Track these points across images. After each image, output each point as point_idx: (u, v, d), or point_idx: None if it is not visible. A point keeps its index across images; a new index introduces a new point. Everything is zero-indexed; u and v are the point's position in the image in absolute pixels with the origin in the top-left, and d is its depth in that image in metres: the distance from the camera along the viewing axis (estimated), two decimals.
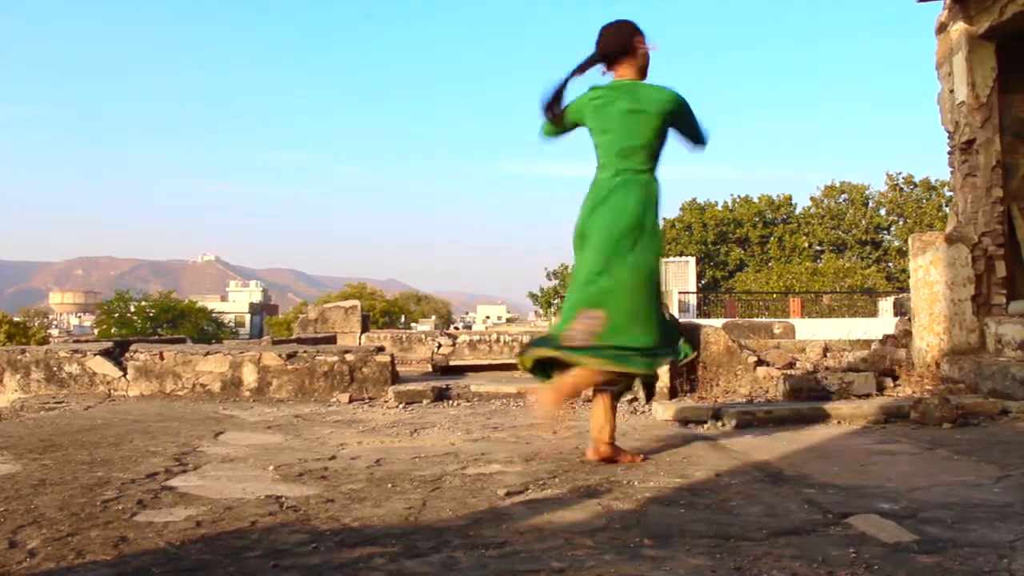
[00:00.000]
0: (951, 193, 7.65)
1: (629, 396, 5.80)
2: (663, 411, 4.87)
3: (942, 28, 6.87)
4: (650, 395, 3.81)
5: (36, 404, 5.77)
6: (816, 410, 4.77)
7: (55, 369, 6.41)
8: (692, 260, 28.99)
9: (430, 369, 8.46)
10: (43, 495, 2.86)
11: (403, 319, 59.08)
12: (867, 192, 41.96)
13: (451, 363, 8.79)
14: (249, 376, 6.24)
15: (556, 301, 40.63)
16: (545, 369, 3.53)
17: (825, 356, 7.05)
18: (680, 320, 4.39)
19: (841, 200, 42.31)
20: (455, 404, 5.77)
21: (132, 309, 53.35)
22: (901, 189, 41.43)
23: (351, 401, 5.96)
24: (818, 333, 12.97)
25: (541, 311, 46.75)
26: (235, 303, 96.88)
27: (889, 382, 5.83)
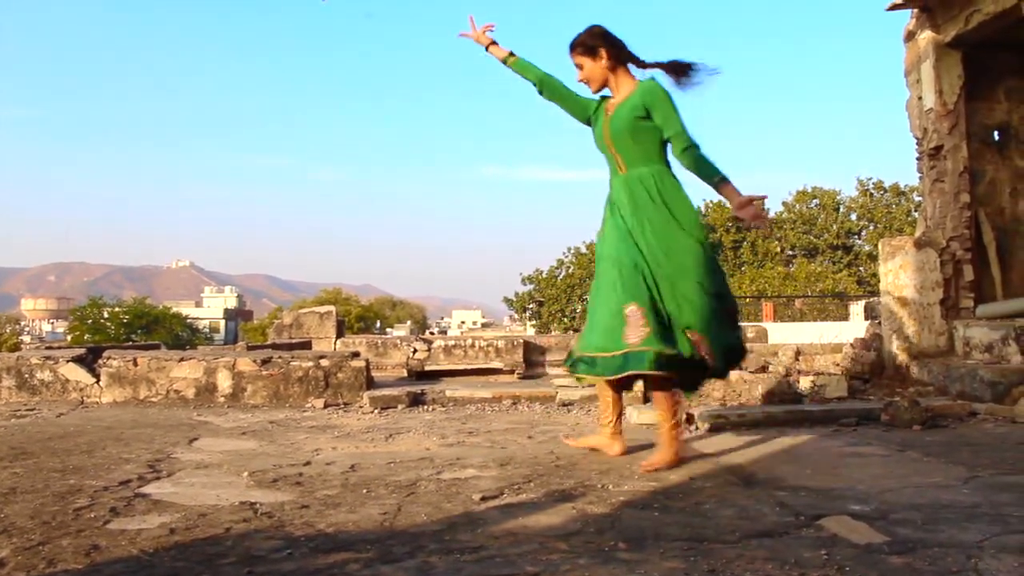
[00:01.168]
0: (920, 198, 7.75)
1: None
2: (637, 415, 4.90)
3: (910, 36, 6.97)
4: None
5: (7, 412, 5.70)
6: (789, 413, 4.81)
7: (27, 376, 6.34)
8: None
9: (406, 374, 8.45)
10: (13, 503, 2.84)
11: (378, 324, 58.90)
12: (838, 197, 42.31)
13: (427, 368, 8.79)
14: (224, 382, 6.21)
15: (531, 306, 40.67)
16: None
17: (797, 360, 7.11)
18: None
19: (813, 205, 42.64)
20: (430, 409, 5.77)
21: (106, 315, 52.79)
22: (871, 194, 41.82)
23: (326, 407, 5.95)
24: (790, 337, 13.08)
25: (516, 316, 46.76)
26: (210, 309, 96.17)
27: (860, 385, 5.90)
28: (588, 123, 3.74)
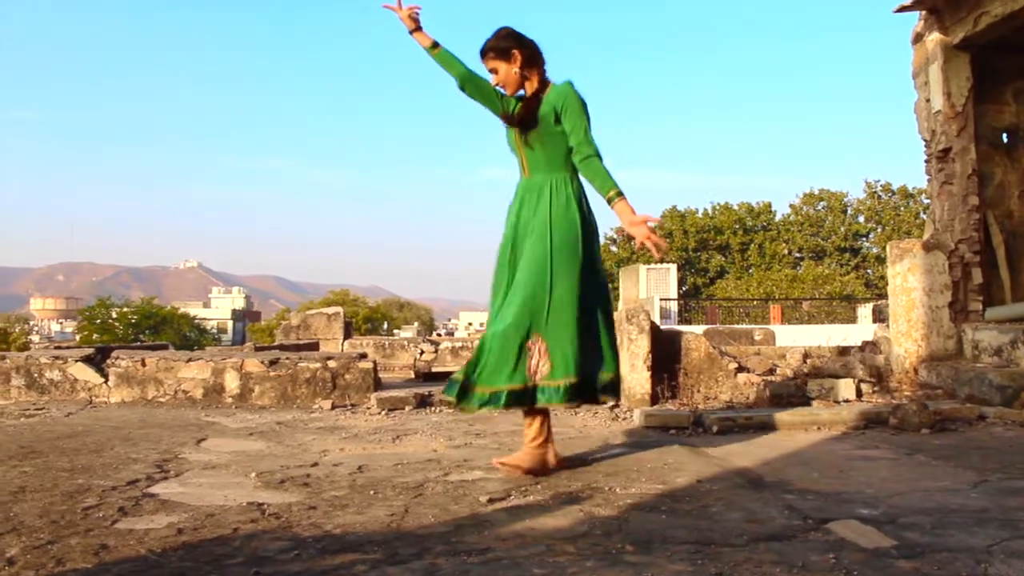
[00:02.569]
0: (928, 201, 7.72)
1: (611, 403, 5.83)
2: (644, 417, 4.90)
3: (918, 38, 6.95)
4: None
5: (16, 411, 5.72)
6: (796, 416, 4.80)
7: (36, 375, 6.36)
8: (673, 267, 29.06)
9: (413, 376, 8.46)
10: (23, 502, 2.85)
11: (386, 325, 58.95)
12: (846, 200, 42.28)
13: (433, 369, 8.80)
14: (231, 383, 6.22)
15: None
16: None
17: (805, 362, 7.10)
18: (661, 327, 4.39)
19: (820, 208, 42.60)
20: (437, 411, 5.77)
21: (114, 315, 52.92)
22: (879, 197, 41.76)
23: (333, 408, 5.95)
24: (798, 339, 13.04)
25: None
26: (217, 309, 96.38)
27: (868, 388, 5.88)
28: (504, 118, 3.66)
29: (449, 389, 3.41)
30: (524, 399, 3.32)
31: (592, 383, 3.43)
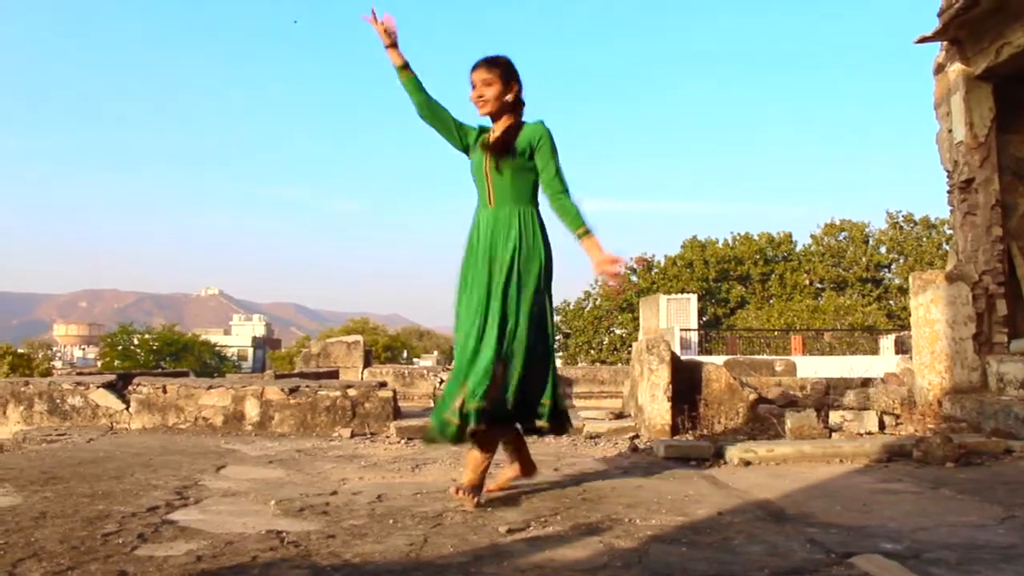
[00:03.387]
0: (951, 231, 7.68)
1: (631, 434, 5.80)
2: (664, 448, 4.86)
3: (940, 69, 6.94)
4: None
5: (38, 436, 5.76)
6: (818, 448, 4.76)
7: (58, 401, 6.41)
8: (694, 297, 28.98)
9: (432, 405, 8.44)
10: (44, 528, 2.86)
11: (405, 354, 58.97)
12: (867, 230, 42.05)
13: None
14: (251, 410, 6.24)
15: (558, 338, 40.52)
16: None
17: (826, 394, 7.04)
18: (681, 358, 4.39)
19: (841, 238, 42.39)
20: None
21: (135, 342, 53.26)
22: (901, 227, 41.52)
23: (353, 436, 5.95)
24: (819, 370, 12.97)
25: None
26: (238, 337, 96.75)
27: (891, 420, 5.82)
28: (465, 151, 3.69)
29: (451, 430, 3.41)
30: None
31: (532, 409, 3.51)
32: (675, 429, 5.66)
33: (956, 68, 6.65)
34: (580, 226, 3.46)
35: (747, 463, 4.52)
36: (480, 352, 3.39)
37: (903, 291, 36.91)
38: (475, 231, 3.60)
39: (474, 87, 3.56)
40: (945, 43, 6.79)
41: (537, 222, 3.57)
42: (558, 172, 3.50)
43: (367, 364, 12.64)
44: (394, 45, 3.63)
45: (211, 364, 54.38)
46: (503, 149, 3.51)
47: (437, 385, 10.51)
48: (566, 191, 3.50)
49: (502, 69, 3.55)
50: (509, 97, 3.55)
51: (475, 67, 3.56)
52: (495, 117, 3.60)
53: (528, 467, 3.78)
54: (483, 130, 3.67)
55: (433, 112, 3.63)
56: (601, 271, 3.41)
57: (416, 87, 3.61)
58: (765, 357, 17.47)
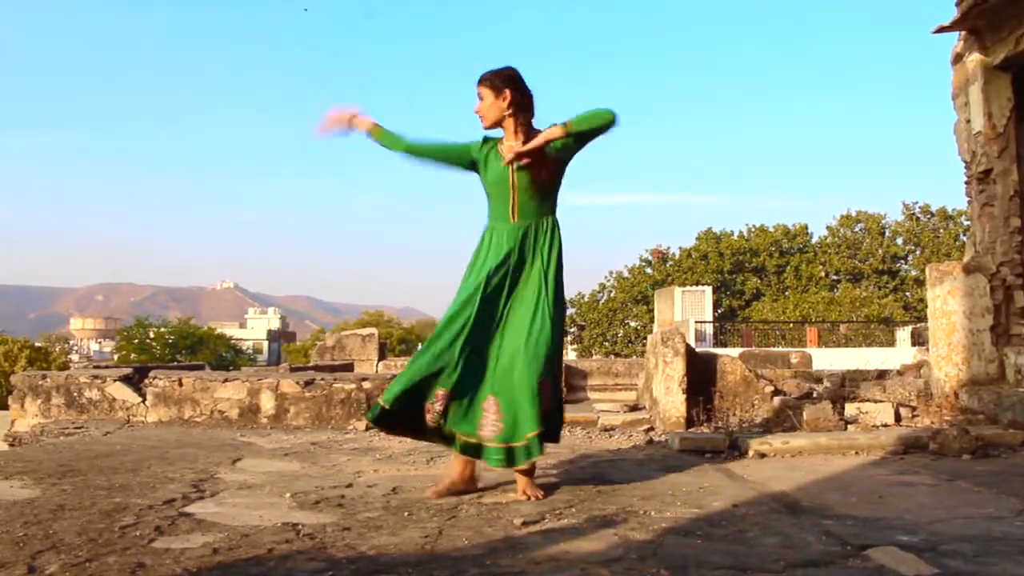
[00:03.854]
0: (968, 222, 7.62)
1: (646, 426, 5.80)
2: (679, 441, 4.86)
3: (958, 59, 6.88)
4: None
5: (56, 429, 5.81)
6: (834, 440, 4.74)
7: (75, 394, 6.46)
8: (708, 289, 28.91)
9: None
10: (62, 520, 2.88)
11: (420, 347, 59.09)
12: (883, 221, 41.79)
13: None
14: (267, 403, 6.27)
15: (572, 330, 40.53)
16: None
17: (842, 386, 7.00)
18: (696, 350, 4.38)
19: (857, 229, 42.15)
20: None
21: (151, 335, 53.59)
22: (918, 218, 41.25)
23: (368, 429, 5.97)
24: (835, 363, 12.91)
25: None
26: (253, 330, 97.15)
27: (907, 412, 5.79)
28: (467, 165, 3.62)
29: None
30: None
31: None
32: (690, 421, 5.65)
33: (974, 58, 6.59)
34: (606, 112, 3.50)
35: (762, 455, 4.51)
36: (517, 368, 3.36)
37: (919, 283, 36.69)
38: (498, 242, 3.54)
39: (479, 98, 3.58)
40: (963, 33, 6.73)
41: (559, 235, 3.59)
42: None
43: (382, 357, 12.67)
44: (350, 121, 3.64)
45: (226, 357, 54.66)
46: (540, 161, 3.49)
47: None
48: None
49: (490, 81, 3.54)
50: (504, 104, 3.51)
51: (477, 82, 3.59)
52: (501, 127, 3.57)
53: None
54: (487, 140, 3.61)
55: (422, 152, 3.62)
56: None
57: (390, 141, 3.61)
58: (780, 349, 17.41)
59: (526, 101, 3.57)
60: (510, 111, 3.53)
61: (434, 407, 3.42)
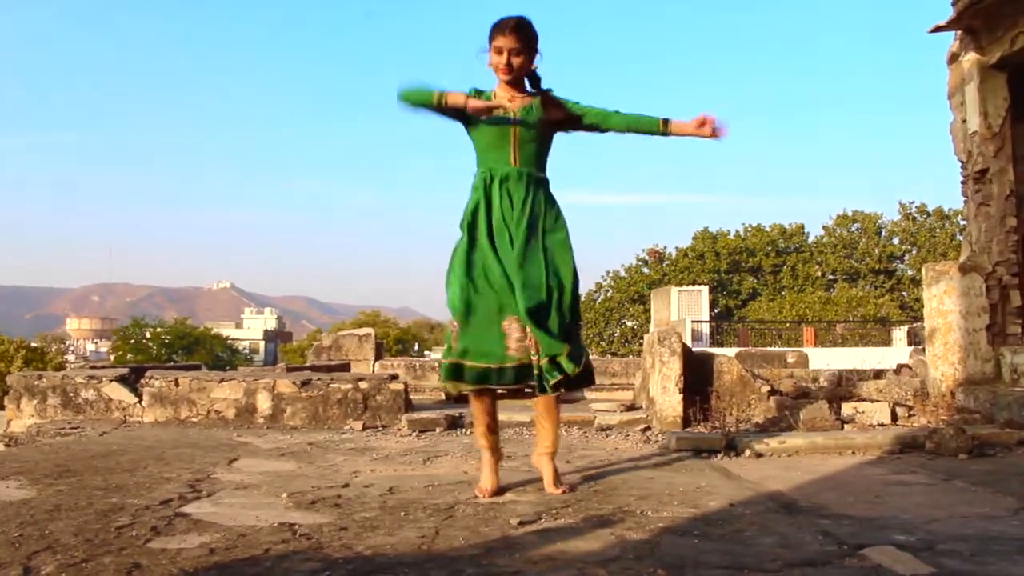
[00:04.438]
0: (965, 222, 7.62)
1: (642, 426, 5.80)
2: (676, 440, 4.86)
3: (954, 58, 6.89)
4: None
5: (52, 429, 5.80)
6: (830, 439, 4.74)
7: (71, 395, 6.45)
8: (705, 289, 28.92)
9: (444, 397, 8.45)
10: (58, 520, 2.87)
11: (417, 347, 59.07)
12: (880, 221, 41.84)
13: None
14: (263, 403, 6.26)
15: None
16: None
17: (839, 385, 7.01)
18: (693, 350, 4.37)
19: (854, 229, 42.19)
20: (468, 432, 5.76)
21: (147, 335, 53.56)
22: (914, 218, 41.30)
23: (365, 429, 5.97)
24: (832, 362, 12.91)
25: None
26: (250, 330, 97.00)
27: (903, 412, 5.80)
28: (461, 115, 3.46)
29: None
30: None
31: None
32: (687, 421, 5.65)
33: (970, 57, 6.60)
34: (655, 121, 3.47)
35: (759, 455, 4.51)
36: (551, 310, 3.35)
37: (916, 282, 36.73)
38: (497, 183, 3.45)
39: (500, 52, 3.39)
40: (959, 32, 6.74)
41: (551, 192, 3.56)
42: (593, 105, 3.49)
43: (378, 357, 12.66)
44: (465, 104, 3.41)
45: (223, 357, 54.64)
46: (552, 116, 3.47)
47: None
48: (615, 110, 3.51)
49: (533, 38, 3.41)
50: (532, 67, 3.46)
51: (502, 30, 3.37)
52: (511, 86, 3.49)
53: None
54: (479, 91, 3.49)
55: (418, 101, 3.45)
56: (704, 133, 3.40)
57: (408, 96, 3.46)
58: (777, 349, 17.42)
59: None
60: (532, 68, 3.48)
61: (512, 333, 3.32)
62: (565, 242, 3.49)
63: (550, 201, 3.53)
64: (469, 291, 3.38)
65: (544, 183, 3.53)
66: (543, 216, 3.46)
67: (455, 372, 3.38)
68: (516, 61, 3.39)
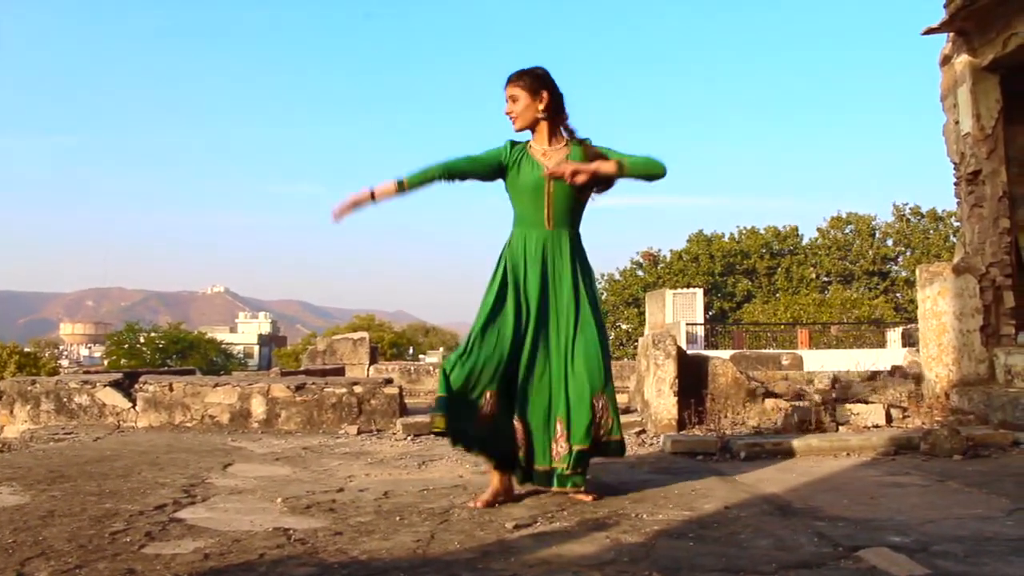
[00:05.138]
0: (958, 224, 7.65)
1: (637, 429, 5.80)
2: (671, 443, 4.86)
3: (946, 60, 6.91)
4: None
5: (46, 435, 5.78)
6: (825, 441, 4.75)
7: (65, 400, 6.43)
8: (699, 291, 28.91)
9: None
10: (51, 526, 2.87)
11: (411, 351, 59.01)
12: (874, 223, 41.92)
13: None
14: (258, 408, 6.25)
15: None
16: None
17: (834, 387, 7.02)
18: (687, 352, 4.36)
19: (848, 231, 42.27)
20: None
21: (142, 340, 53.41)
22: (908, 220, 41.39)
23: (359, 433, 5.96)
24: (826, 364, 12.93)
25: None
26: (244, 334, 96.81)
27: (898, 413, 5.81)
28: (497, 172, 3.51)
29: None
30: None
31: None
32: (681, 424, 5.65)
33: (963, 60, 6.61)
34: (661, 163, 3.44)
35: (754, 457, 4.51)
36: (572, 383, 3.33)
37: (910, 284, 36.80)
38: (531, 248, 3.44)
39: (506, 100, 3.48)
40: (952, 34, 6.75)
41: (582, 248, 3.56)
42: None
43: (373, 361, 12.65)
44: (371, 196, 3.44)
45: (217, 362, 54.51)
46: (592, 181, 3.42)
47: None
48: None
49: (527, 80, 3.44)
50: (540, 106, 3.44)
51: (506, 82, 3.48)
52: (532, 129, 3.51)
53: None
54: (514, 144, 3.52)
55: (456, 170, 3.47)
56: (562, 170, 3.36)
57: (426, 174, 3.45)
58: (772, 351, 17.44)
59: (560, 103, 3.50)
60: (545, 114, 3.46)
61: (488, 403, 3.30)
62: (598, 305, 3.53)
63: (585, 261, 3.53)
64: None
65: (577, 242, 3.52)
66: (579, 277, 3.47)
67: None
68: (515, 108, 3.45)
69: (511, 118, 3.48)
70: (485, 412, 3.28)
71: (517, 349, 3.36)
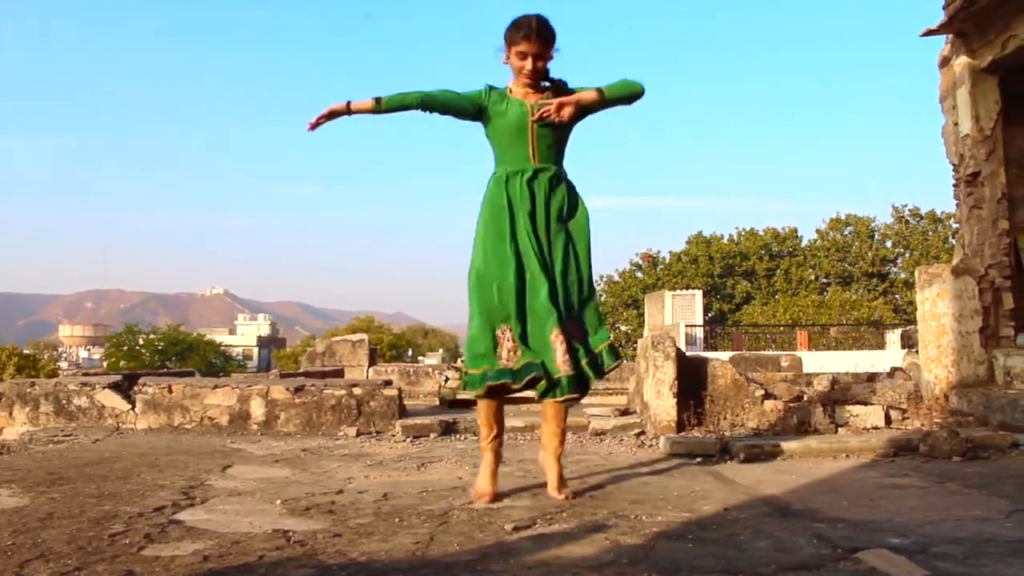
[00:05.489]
0: (957, 225, 7.64)
1: (636, 430, 5.80)
2: (670, 445, 4.86)
3: (945, 62, 6.91)
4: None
5: (45, 437, 5.77)
6: (824, 443, 4.75)
7: (64, 402, 6.42)
8: (699, 293, 28.94)
9: (438, 403, 8.45)
10: (51, 528, 2.86)
11: (410, 352, 59.01)
12: (873, 224, 41.97)
13: (458, 396, 8.78)
14: (257, 409, 6.25)
15: None
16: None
17: (832, 389, 7.02)
18: (687, 354, 4.38)
19: (847, 233, 42.31)
20: (462, 438, 5.76)
21: (141, 342, 53.40)
22: (907, 221, 41.43)
23: (358, 435, 5.96)
24: (825, 366, 12.93)
25: None
26: (243, 336, 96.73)
27: (897, 415, 5.81)
28: (475, 114, 3.56)
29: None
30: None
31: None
32: (680, 425, 5.65)
33: (962, 61, 6.62)
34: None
35: (753, 459, 4.51)
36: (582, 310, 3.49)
37: (909, 285, 36.82)
38: (518, 180, 3.48)
39: (523, 57, 3.46)
40: (951, 36, 6.76)
41: (573, 188, 3.61)
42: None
43: (372, 363, 12.66)
44: (348, 104, 3.51)
45: (216, 364, 54.46)
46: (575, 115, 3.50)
47: (443, 383, 10.51)
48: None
49: (553, 38, 3.49)
50: (550, 59, 3.54)
51: (526, 35, 3.44)
52: (530, 83, 3.55)
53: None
54: (492, 88, 3.56)
55: (436, 101, 3.53)
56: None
57: (403, 100, 3.52)
58: (771, 353, 17.45)
59: None
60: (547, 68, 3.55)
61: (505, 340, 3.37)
62: (584, 228, 3.56)
63: (572, 193, 3.58)
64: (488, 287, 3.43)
65: (563, 176, 3.58)
66: (565, 208, 3.52)
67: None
68: (540, 65, 3.50)
69: (530, 74, 3.50)
70: (509, 348, 3.37)
71: (520, 292, 3.40)
